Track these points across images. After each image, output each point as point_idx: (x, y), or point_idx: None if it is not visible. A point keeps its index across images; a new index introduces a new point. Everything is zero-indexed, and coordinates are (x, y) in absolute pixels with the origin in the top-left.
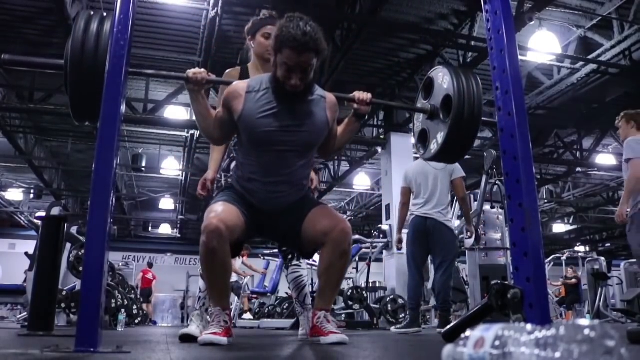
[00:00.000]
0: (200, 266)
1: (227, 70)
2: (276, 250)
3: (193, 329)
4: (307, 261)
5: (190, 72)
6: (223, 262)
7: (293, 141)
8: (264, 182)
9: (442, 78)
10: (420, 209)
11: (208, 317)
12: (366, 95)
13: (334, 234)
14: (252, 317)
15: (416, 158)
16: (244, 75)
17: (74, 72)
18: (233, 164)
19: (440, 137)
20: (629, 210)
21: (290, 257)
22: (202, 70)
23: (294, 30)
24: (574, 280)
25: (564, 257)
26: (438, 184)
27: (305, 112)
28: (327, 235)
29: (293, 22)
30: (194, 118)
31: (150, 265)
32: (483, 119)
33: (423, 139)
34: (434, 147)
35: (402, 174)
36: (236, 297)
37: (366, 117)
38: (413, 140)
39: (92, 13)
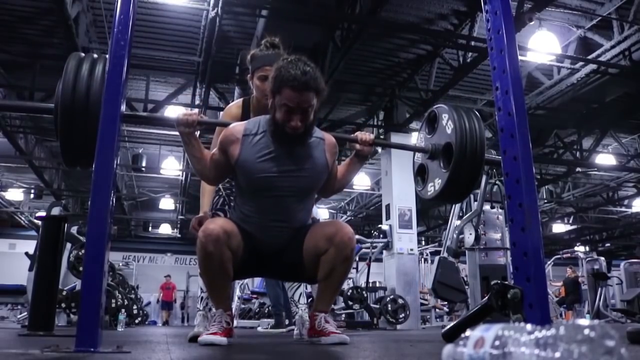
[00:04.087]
0: (200, 269)
1: (229, 105)
2: None
3: (201, 329)
4: None
5: (181, 114)
6: (221, 266)
7: (292, 186)
8: (263, 226)
9: (446, 120)
10: None
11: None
12: (368, 136)
13: (337, 238)
14: None
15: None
16: (245, 110)
17: (65, 117)
18: (221, 200)
19: (438, 183)
20: None
21: None
22: (194, 112)
23: (293, 70)
24: (574, 276)
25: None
26: None
27: (304, 155)
28: (330, 240)
29: (291, 63)
30: (192, 165)
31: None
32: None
33: (421, 174)
34: (431, 190)
35: (402, 174)
36: (236, 298)
37: (368, 159)
38: (412, 141)
39: (83, 55)
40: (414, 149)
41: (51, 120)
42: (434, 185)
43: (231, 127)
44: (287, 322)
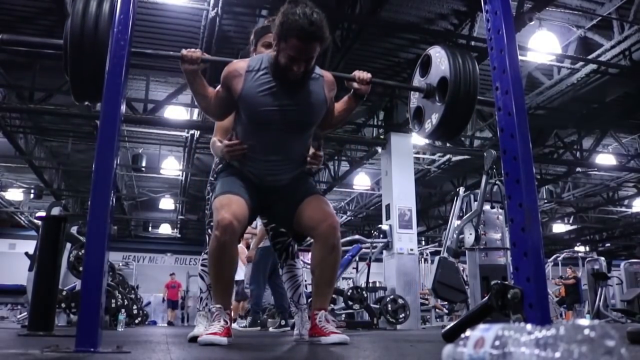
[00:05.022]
0: (208, 261)
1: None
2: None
3: (201, 330)
4: (302, 261)
5: (185, 51)
6: (232, 257)
7: (292, 120)
8: (263, 160)
9: (440, 59)
10: None
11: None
12: (366, 75)
13: (321, 229)
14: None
15: (417, 158)
16: None
17: (74, 52)
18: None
19: (435, 118)
20: None
21: (284, 255)
22: (197, 50)
23: (300, 18)
24: (572, 280)
25: (560, 258)
26: None
27: (304, 91)
28: (314, 230)
29: (298, 8)
30: (197, 103)
31: None
32: (478, 97)
33: (418, 116)
34: (428, 126)
35: (402, 174)
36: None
37: (364, 97)
38: (412, 141)
39: None
40: (410, 88)
41: (51, 119)
42: (431, 121)
43: (234, 63)
44: (283, 322)
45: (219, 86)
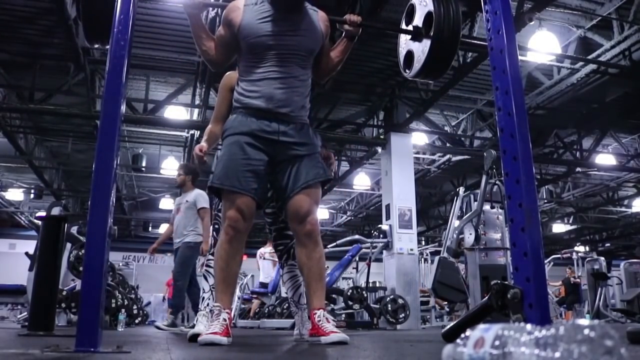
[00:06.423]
0: (215, 254)
1: (227, 73)
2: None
3: (201, 328)
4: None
5: None
6: (238, 252)
7: (292, 45)
8: (269, 81)
9: (423, 2)
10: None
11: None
12: (356, 18)
13: (303, 230)
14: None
15: (417, 158)
16: None
17: None
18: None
19: (423, 53)
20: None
21: (285, 256)
22: None
23: None
24: (578, 280)
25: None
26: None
27: (301, 18)
28: (296, 229)
29: None
30: (199, 47)
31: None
32: (463, 39)
33: (408, 60)
34: (417, 64)
35: (402, 173)
36: (236, 298)
37: (355, 38)
38: (412, 141)
39: None
40: (399, 31)
41: (51, 119)
42: (420, 58)
43: (233, 2)
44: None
45: (220, 27)
